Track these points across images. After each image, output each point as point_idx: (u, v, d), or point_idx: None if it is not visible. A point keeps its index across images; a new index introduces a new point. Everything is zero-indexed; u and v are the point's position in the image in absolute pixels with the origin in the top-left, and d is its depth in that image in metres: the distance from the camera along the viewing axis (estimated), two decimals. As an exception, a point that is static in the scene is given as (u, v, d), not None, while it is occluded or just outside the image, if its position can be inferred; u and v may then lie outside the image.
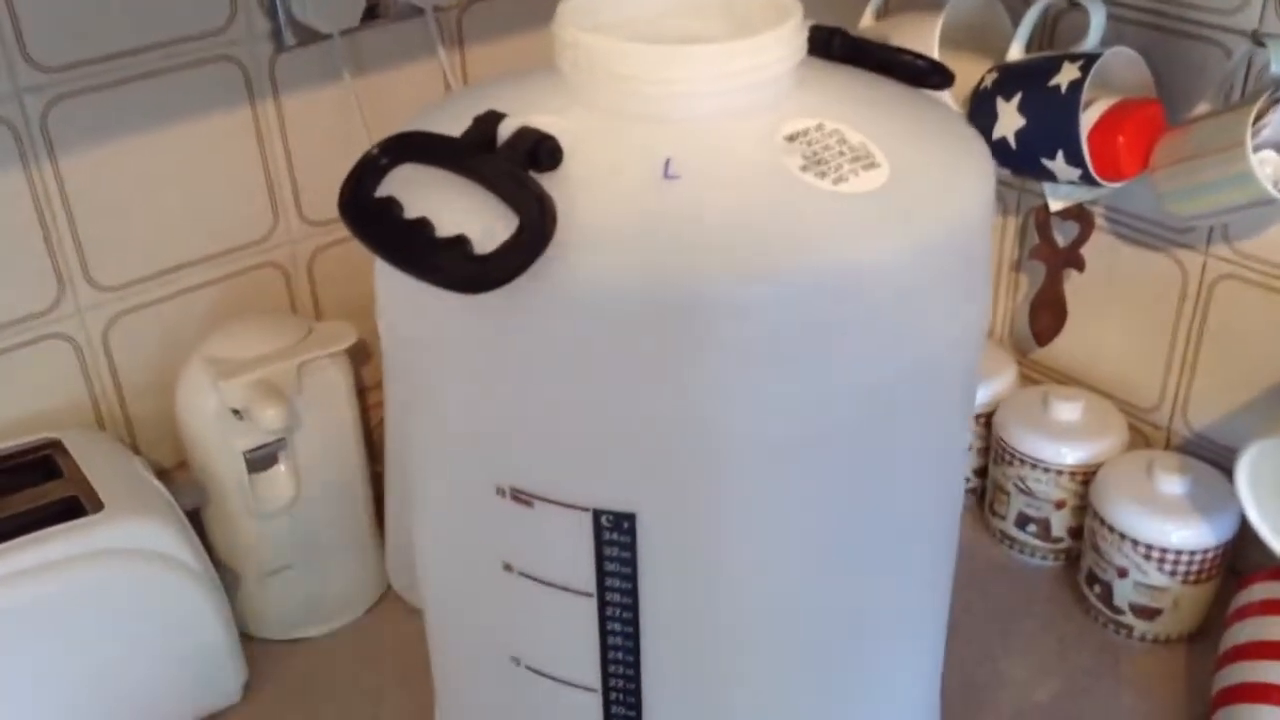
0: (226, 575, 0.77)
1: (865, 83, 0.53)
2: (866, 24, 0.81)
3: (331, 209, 0.44)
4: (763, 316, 0.43)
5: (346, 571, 0.82)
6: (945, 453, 0.52)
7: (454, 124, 0.47)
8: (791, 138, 0.46)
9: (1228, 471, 0.77)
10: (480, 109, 0.47)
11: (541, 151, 0.44)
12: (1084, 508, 0.81)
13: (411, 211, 0.45)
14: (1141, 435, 0.85)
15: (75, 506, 0.67)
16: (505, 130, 0.45)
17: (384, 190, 0.46)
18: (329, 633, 0.81)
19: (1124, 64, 0.70)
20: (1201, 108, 0.71)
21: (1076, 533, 0.83)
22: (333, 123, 0.79)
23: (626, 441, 0.45)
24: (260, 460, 0.76)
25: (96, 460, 0.71)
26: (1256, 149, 0.63)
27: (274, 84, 0.76)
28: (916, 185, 0.46)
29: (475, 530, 0.50)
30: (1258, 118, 0.62)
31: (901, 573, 0.53)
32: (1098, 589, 0.79)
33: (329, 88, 0.78)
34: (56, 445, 0.72)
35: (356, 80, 0.78)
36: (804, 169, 0.45)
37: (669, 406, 0.44)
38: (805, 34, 0.48)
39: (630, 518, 0.46)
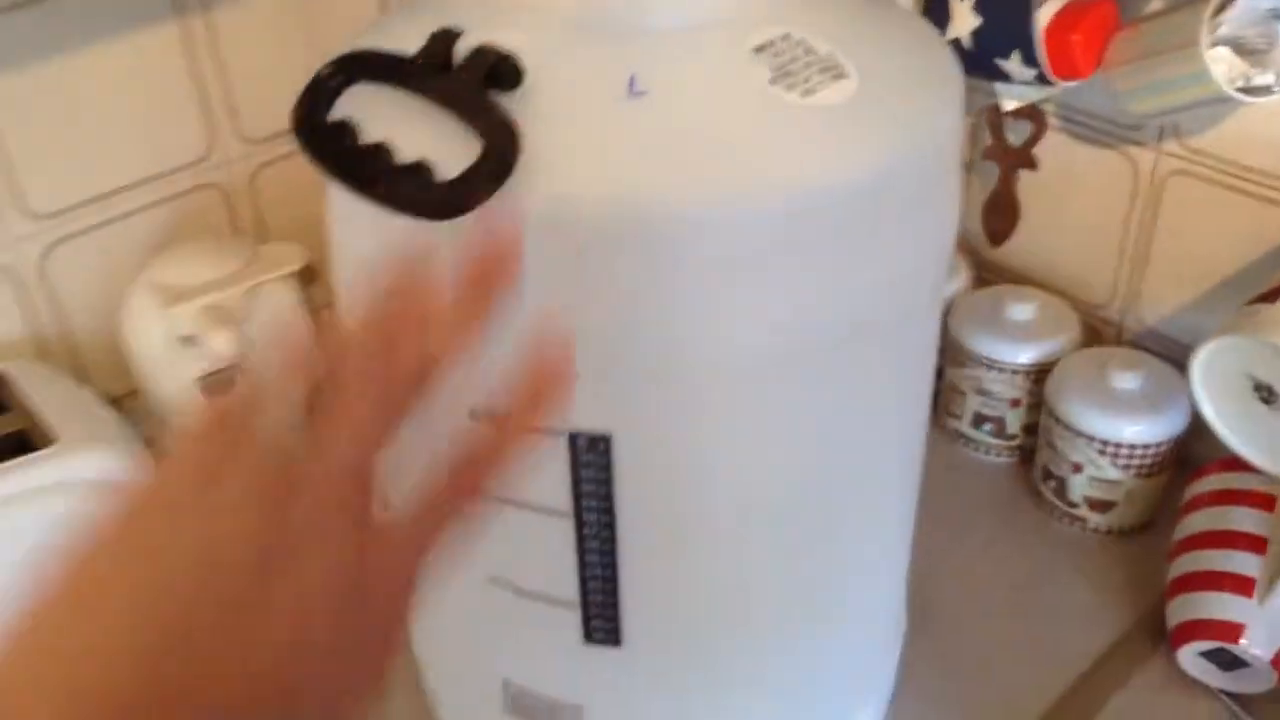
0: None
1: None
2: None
3: (271, 126, 0.43)
4: (732, 235, 0.42)
5: (307, 495, 0.81)
6: (915, 364, 0.53)
7: (404, 41, 0.45)
8: (759, 49, 0.45)
9: (1179, 365, 0.79)
10: (431, 25, 0.45)
11: (502, 71, 0.43)
12: (1038, 405, 0.82)
13: (368, 135, 0.43)
14: (1095, 332, 0.86)
15: (25, 441, 0.65)
16: (462, 48, 0.44)
17: (338, 113, 0.44)
18: (292, 557, 0.80)
19: (1079, -40, 0.69)
20: (1155, 3, 0.71)
21: (1031, 430, 0.84)
22: (268, 36, 0.76)
23: (599, 364, 0.44)
24: (216, 385, 0.74)
25: (44, 392, 0.69)
26: (1212, 45, 0.63)
27: (202, -4, 0.73)
28: (886, 95, 0.45)
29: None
30: (1215, 14, 0.62)
31: (871, 483, 0.54)
32: (1053, 484, 0.80)
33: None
34: (0, 378, 0.70)
35: (292, -10, 0.76)
36: (773, 81, 0.44)
37: (639, 328, 0.44)
38: (767, -60, 0.47)
39: (605, 439, 0.46)
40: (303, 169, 0.44)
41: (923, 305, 0.50)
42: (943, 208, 0.49)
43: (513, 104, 0.42)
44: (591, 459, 0.46)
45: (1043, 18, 0.68)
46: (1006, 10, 0.68)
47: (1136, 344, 0.84)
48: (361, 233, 0.47)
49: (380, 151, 0.42)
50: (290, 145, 0.78)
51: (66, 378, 0.73)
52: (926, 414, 0.57)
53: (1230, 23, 0.62)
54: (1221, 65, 0.62)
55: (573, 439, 0.46)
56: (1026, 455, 0.85)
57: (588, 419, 0.45)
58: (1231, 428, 0.66)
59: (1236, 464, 0.69)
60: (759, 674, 0.55)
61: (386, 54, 0.44)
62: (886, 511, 0.57)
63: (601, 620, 0.51)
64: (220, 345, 0.69)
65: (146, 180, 0.75)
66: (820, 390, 0.47)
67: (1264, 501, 0.69)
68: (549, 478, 0.47)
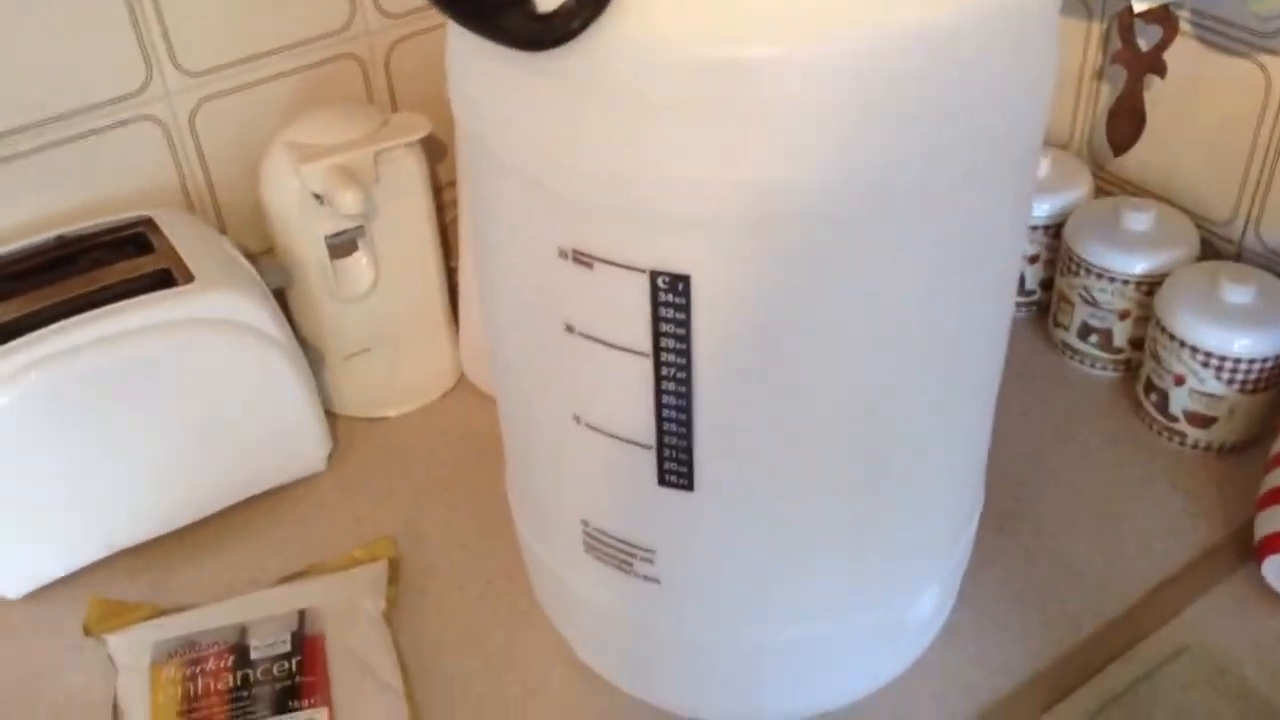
0: (311, 354, 0.81)
1: None
2: None
3: (409, 1, 0.45)
4: (818, 78, 0.44)
5: (422, 358, 0.86)
6: (1004, 228, 0.53)
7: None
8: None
9: (1296, 284, 0.77)
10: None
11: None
12: (1147, 319, 0.81)
13: (479, -26, 0.46)
14: (1213, 249, 0.85)
15: (168, 278, 0.71)
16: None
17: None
18: (407, 414, 0.85)
19: None
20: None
21: (1138, 344, 0.83)
22: (410, -89, 0.80)
23: (681, 204, 0.46)
24: (341, 246, 0.79)
25: (187, 237, 0.74)
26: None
27: None
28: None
29: (539, 293, 0.53)
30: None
31: (954, 348, 0.55)
32: (1154, 397, 0.80)
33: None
34: (149, 223, 0.75)
35: None
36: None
37: (723, 170, 0.45)
38: None
39: (685, 279, 0.48)
40: (435, 44, 0.47)
41: (1013, 164, 0.51)
42: (1036, 61, 0.49)
43: (614, -53, 0.44)
44: (670, 299, 0.48)
45: (1175, -89, 0.67)
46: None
47: (1256, 263, 0.82)
48: (472, 70, 0.50)
49: (489, -11, 0.45)
50: (425, 20, 0.82)
51: (208, 226, 0.79)
52: (1014, 285, 0.58)
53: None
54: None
55: (654, 277, 0.48)
56: (1132, 370, 0.85)
57: (668, 258, 0.48)
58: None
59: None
60: (828, 530, 0.57)
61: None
62: (968, 378, 0.58)
63: (675, 464, 0.54)
64: (347, 204, 0.73)
65: (291, 46, 0.80)
66: (903, 245, 0.49)
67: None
68: (630, 316, 0.50)
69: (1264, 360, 0.74)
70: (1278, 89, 0.76)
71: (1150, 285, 0.81)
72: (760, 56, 0.43)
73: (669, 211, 0.47)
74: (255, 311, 0.72)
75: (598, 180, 0.47)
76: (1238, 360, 0.75)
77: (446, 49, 0.52)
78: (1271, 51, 0.76)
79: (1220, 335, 0.75)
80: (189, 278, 0.71)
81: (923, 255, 0.50)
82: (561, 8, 0.43)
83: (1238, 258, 0.84)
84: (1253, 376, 0.75)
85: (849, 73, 0.44)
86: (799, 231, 0.47)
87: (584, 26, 0.43)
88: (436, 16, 0.66)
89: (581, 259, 0.49)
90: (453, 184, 0.89)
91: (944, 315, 0.53)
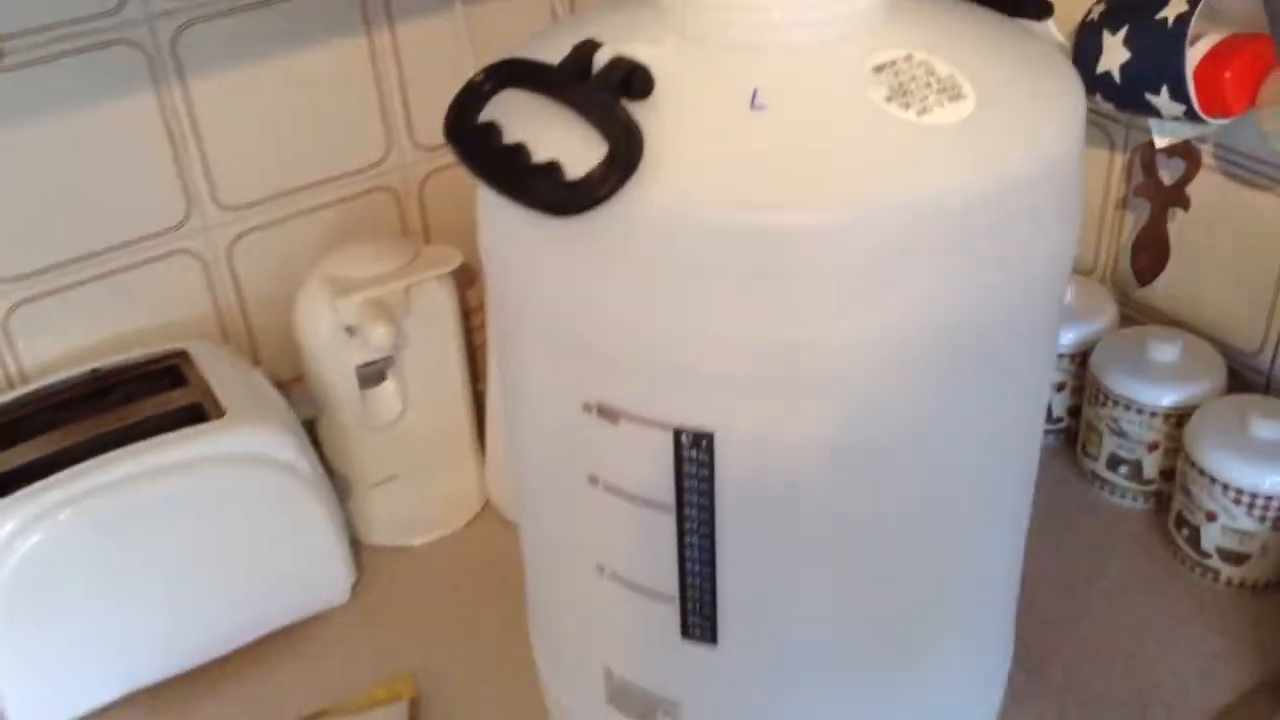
0: (338, 483, 0.81)
1: (959, 13, 0.53)
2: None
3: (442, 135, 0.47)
4: (836, 244, 0.44)
5: (448, 485, 0.86)
6: (1029, 383, 0.53)
7: (555, 52, 0.49)
8: (879, 68, 0.47)
9: (1328, 419, 0.77)
10: (579, 37, 0.49)
11: (634, 80, 0.46)
12: (1177, 450, 0.81)
13: (510, 136, 0.47)
14: (1242, 380, 0.84)
15: (199, 413, 0.72)
16: (601, 59, 0.47)
17: (486, 115, 0.48)
18: (432, 542, 0.85)
19: (1235, -1, 0.69)
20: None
21: (1168, 475, 0.83)
22: (445, 50, 0.82)
23: (705, 364, 0.47)
24: (371, 375, 0.80)
25: (220, 370, 0.75)
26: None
27: (388, 13, 0.79)
28: (1001, 117, 0.47)
29: (564, 445, 0.53)
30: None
31: (979, 501, 0.55)
32: (1185, 532, 0.79)
33: (441, 16, 0.81)
34: (183, 355, 0.76)
35: (468, 7, 0.81)
36: (889, 99, 0.46)
37: (749, 329, 0.46)
38: (897, -35, 0.49)
39: (709, 437, 0.48)
40: (467, 176, 0.48)
41: (1038, 323, 0.51)
42: (1058, 227, 0.50)
43: (642, 112, 0.45)
44: (695, 455, 0.49)
45: (1195, 54, 0.68)
46: (1158, 45, 0.68)
47: (1287, 396, 0.82)
48: (503, 230, 0.51)
49: (519, 151, 0.46)
50: (457, 155, 0.84)
51: (241, 358, 0.80)
52: (1039, 437, 0.58)
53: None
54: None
55: (677, 434, 0.48)
56: (1163, 502, 0.84)
57: (693, 416, 0.48)
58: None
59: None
60: (855, 683, 0.57)
61: (532, 62, 0.48)
62: (995, 531, 0.57)
63: (699, 617, 0.54)
64: (378, 339, 0.74)
65: (327, 180, 0.82)
66: (929, 404, 0.49)
67: None
68: (654, 470, 0.50)
69: (1297, 497, 0.73)
70: (1303, 224, 0.77)
71: (1179, 417, 0.80)
72: (789, 222, 0.44)
73: (693, 370, 0.47)
74: (284, 447, 0.72)
75: (623, 338, 0.48)
76: (1269, 497, 0.74)
77: (478, 208, 0.53)
78: (1296, 188, 0.76)
79: (1251, 472, 0.74)
80: (220, 412, 0.71)
81: (949, 408, 0.50)
82: (590, 175, 0.44)
83: (1266, 388, 0.83)
84: (1286, 513, 0.74)
85: (876, 237, 0.44)
86: (823, 390, 0.47)
87: (611, 193, 0.44)
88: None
89: (606, 413, 0.50)
90: (482, 307, 0.91)
91: (972, 466, 0.53)
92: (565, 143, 0.46)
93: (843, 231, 0.44)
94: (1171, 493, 0.81)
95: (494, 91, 0.49)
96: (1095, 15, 0.72)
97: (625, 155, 0.44)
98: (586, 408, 0.50)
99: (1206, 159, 0.80)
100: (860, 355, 0.47)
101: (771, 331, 0.46)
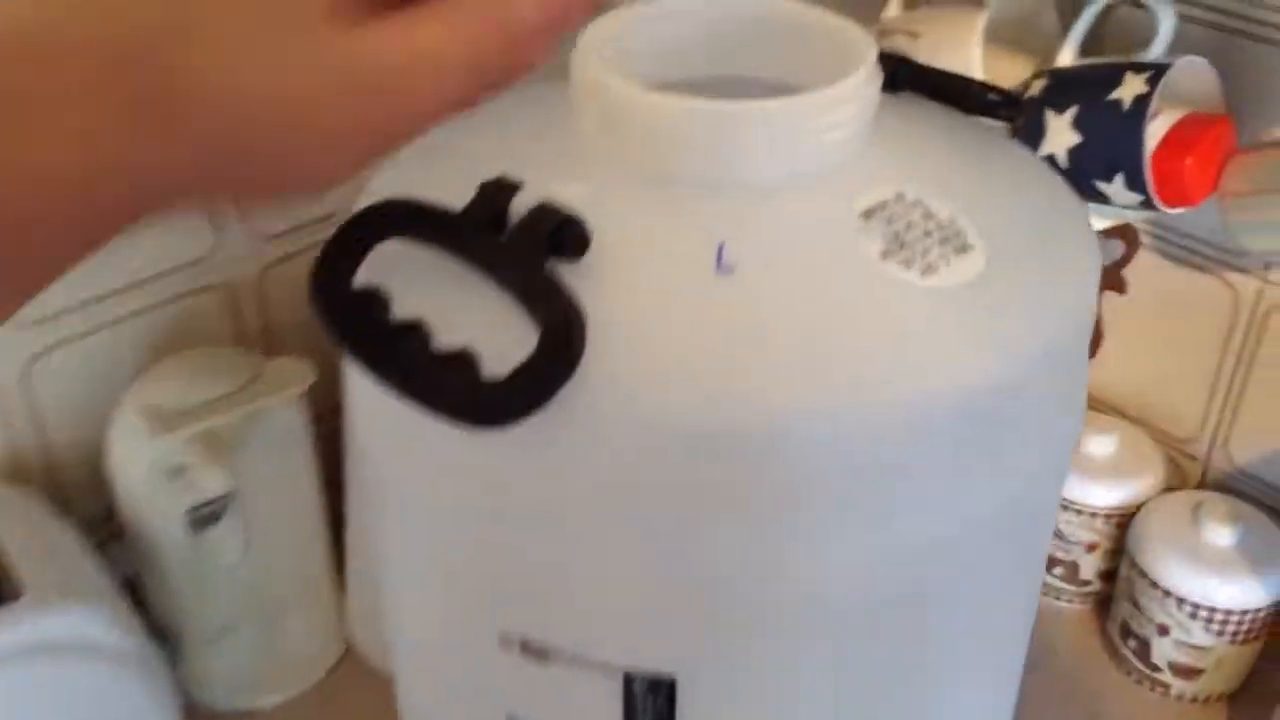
0: (168, 639, 0.68)
1: (938, 126, 0.44)
2: (892, 13, 0.72)
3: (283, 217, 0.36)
4: (836, 457, 0.34)
5: (302, 631, 0.73)
6: (1025, 586, 0.45)
7: (448, 182, 0.37)
8: (868, 213, 0.38)
9: (1271, 511, 0.71)
10: (480, 169, 0.38)
11: (566, 237, 0.35)
12: (1117, 551, 0.74)
13: (403, 309, 0.35)
14: (1177, 468, 0.78)
15: (-11, 589, 0.58)
16: (520, 205, 0.36)
17: (367, 276, 0.36)
18: (284, 702, 0.72)
19: (1191, 74, 0.62)
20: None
21: (1108, 576, 0.76)
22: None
23: (664, 597, 0.36)
24: (204, 518, 0.66)
25: (15, 529, 0.61)
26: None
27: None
28: (1016, 272, 0.38)
29: (472, 679, 0.42)
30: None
31: (973, 700, 0.46)
32: (1133, 643, 0.72)
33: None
34: (-34, 510, 0.62)
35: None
36: (885, 255, 0.37)
37: (717, 559, 0.36)
38: (879, 76, 0.39)
39: (669, 683, 0.38)
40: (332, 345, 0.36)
41: (1044, 520, 0.43)
42: (1074, 398, 0.41)
43: (576, 277, 0.34)
44: (651, 704, 0.38)
45: (1151, 138, 0.61)
46: (1112, 129, 0.61)
47: (1224, 484, 0.76)
48: (386, 423, 0.39)
49: (415, 333, 0.35)
50: (305, 239, 0.71)
51: (43, 507, 0.65)
52: (1027, 639, 0.49)
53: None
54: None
55: (629, 680, 0.38)
56: (1100, 602, 0.77)
57: (648, 656, 0.37)
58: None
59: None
60: None
61: (428, 207, 0.37)
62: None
63: None
64: (210, 482, 0.61)
65: (143, 281, 0.68)
66: (918, 630, 0.40)
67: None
68: None
69: (1256, 610, 0.68)
70: (1247, 308, 0.71)
71: (1119, 517, 0.74)
72: (778, 430, 0.34)
73: (647, 605, 0.37)
74: (97, 625, 0.58)
75: (555, 566, 0.37)
76: (1228, 611, 0.68)
77: (345, 379, 0.42)
78: (1240, 269, 0.70)
79: (1209, 584, 0.68)
80: (16, 591, 0.57)
81: (950, 624, 0.41)
82: (519, 372, 0.33)
83: (1204, 475, 0.78)
84: (1244, 627, 0.68)
85: (885, 443, 0.35)
86: (807, 625, 0.37)
87: (548, 397, 0.33)
88: (319, 230, 0.56)
89: (533, 651, 0.39)
90: (338, 410, 0.78)
91: (967, 681, 0.44)
92: (478, 321, 0.35)
93: (845, 438, 0.34)
94: (1112, 594, 0.75)
95: (374, 243, 0.37)
96: (1037, 91, 0.64)
97: (563, 346, 0.33)
98: (505, 641, 0.39)
99: (1146, 239, 0.73)
100: (851, 585, 0.37)
101: (745, 558, 0.36)
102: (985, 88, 0.46)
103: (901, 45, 0.65)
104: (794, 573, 0.36)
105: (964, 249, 0.37)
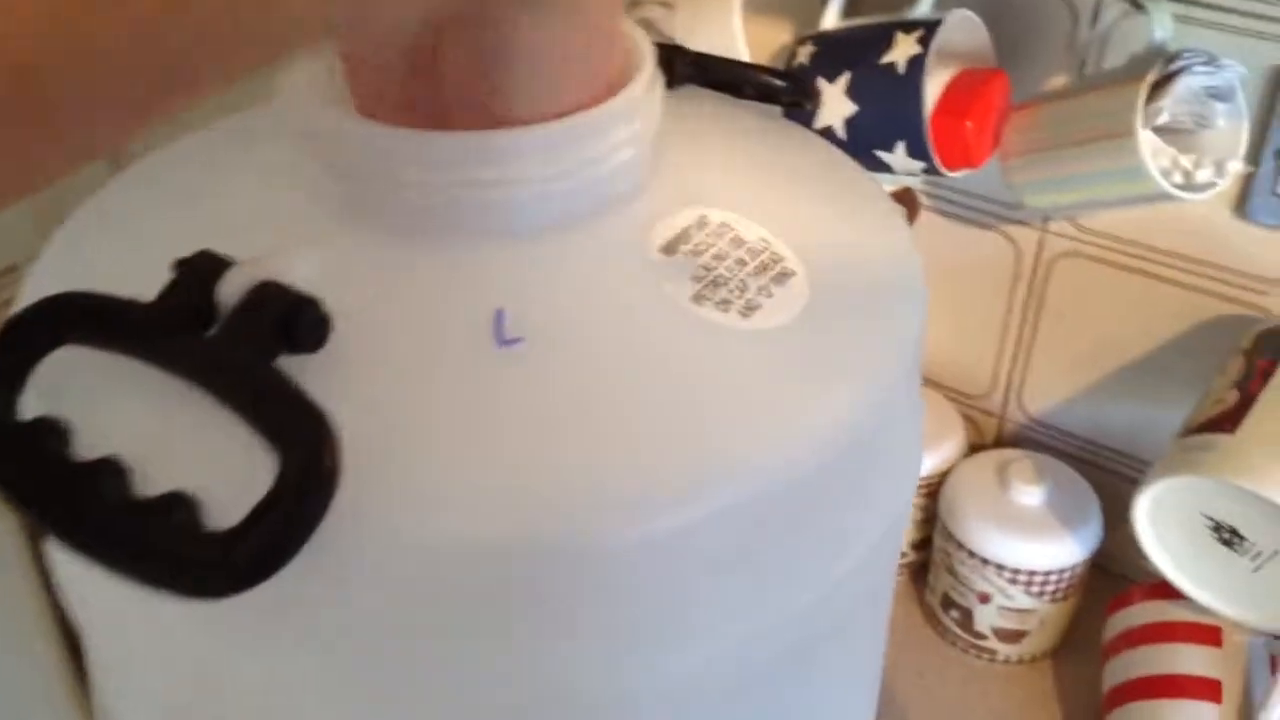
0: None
1: (718, 121, 0.38)
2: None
3: None
4: (647, 566, 0.28)
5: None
6: (869, 652, 0.40)
7: (133, 261, 0.29)
8: (669, 248, 0.31)
9: (1075, 460, 0.71)
10: (177, 238, 0.29)
11: (298, 325, 0.27)
12: (929, 520, 0.72)
13: (88, 442, 0.27)
14: (974, 425, 0.77)
15: None
16: (232, 288, 0.28)
17: (37, 401, 0.28)
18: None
19: (960, 28, 0.58)
20: (1052, 81, 0.61)
21: (920, 545, 0.74)
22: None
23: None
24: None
25: None
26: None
27: None
28: (842, 301, 0.32)
29: None
30: (1149, 98, 0.52)
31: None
32: (955, 614, 0.70)
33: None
34: None
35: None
36: (698, 299, 0.30)
37: (514, 690, 0.29)
38: (661, 81, 0.33)
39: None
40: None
41: (886, 578, 0.38)
42: (912, 441, 0.36)
43: (318, 375, 0.27)
44: None
45: (928, 100, 0.57)
46: (889, 96, 0.56)
47: (1022, 436, 0.75)
48: (100, 594, 0.31)
49: (107, 474, 0.26)
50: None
51: None
52: (882, 659, 0.45)
53: (1171, 109, 0.52)
54: (1163, 159, 0.52)
55: None
56: (915, 571, 0.75)
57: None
58: (1186, 571, 0.57)
59: (1165, 589, 0.60)
60: None
61: (109, 300, 0.28)
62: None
63: None
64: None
65: None
66: (767, 705, 0.34)
67: (1209, 635, 0.60)
68: None
69: (1073, 566, 0.66)
70: (1029, 259, 0.69)
71: (926, 486, 0.71)
72: (558, 547, 0.27)
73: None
74: None
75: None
76: (1048, 572, 0.66)
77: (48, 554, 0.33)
78: (1019, 222, 0.68)
79: (1027, 548, 0.66)
80: None
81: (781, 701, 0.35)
82: (253, 519, 0.25)
83: (1000, 429, 0.76)
84: (1063, 585, 0.67)
85: (688, 550, 0.28)
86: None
87: (296, 545, 0.25)
88: None
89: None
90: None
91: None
92: (192, 452, 0.27)
93: (660, 546, 0.28)
94: (926, 562, 0.73)
95: (43, 352, 0.28)
96: (804, 58, 0.59)
97: (314, 472, 0.25)
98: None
99: (925, 200, 0.70)
100: (678, 677, 0.31)
101: (548, 685, 0.29)
102: (769, 72, 0.40)
103: (656, 17, 0.59)
104: (604, 680, 0.30)
105: (783, 277, 0.32)
